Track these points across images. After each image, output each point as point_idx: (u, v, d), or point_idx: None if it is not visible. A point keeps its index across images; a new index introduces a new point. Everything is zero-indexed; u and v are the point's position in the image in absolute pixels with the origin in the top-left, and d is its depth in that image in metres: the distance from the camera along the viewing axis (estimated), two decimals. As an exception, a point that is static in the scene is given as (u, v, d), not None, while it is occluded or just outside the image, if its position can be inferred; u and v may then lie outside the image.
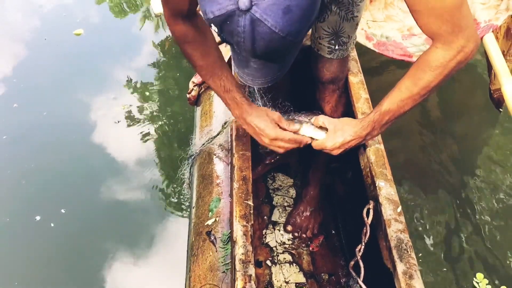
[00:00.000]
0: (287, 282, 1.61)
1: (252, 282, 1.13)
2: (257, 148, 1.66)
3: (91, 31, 3.18)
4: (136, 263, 2.01)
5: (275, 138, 1.25)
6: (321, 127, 1.27)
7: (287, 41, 0.91)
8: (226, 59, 1.75)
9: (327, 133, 1.25)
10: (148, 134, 2.52)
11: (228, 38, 0.95)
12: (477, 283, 1.83)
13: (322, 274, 1.66)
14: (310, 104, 1.49)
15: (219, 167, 1.61)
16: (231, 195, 1.38)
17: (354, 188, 1.60)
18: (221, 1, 0.88)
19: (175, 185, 2.23)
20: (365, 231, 1.27)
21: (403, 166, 2.26)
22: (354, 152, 1.47)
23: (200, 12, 1.17)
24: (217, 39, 1.29)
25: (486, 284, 1.81)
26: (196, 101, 2.01)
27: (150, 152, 2.44)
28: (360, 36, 1.96)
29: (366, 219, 1.27)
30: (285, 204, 1.84)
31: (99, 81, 2.84)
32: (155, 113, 2.65)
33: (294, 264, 1.66)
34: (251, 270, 1.15)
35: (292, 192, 1.88)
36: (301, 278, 1.63)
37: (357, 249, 1.27)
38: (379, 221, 1.28)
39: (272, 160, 1.84)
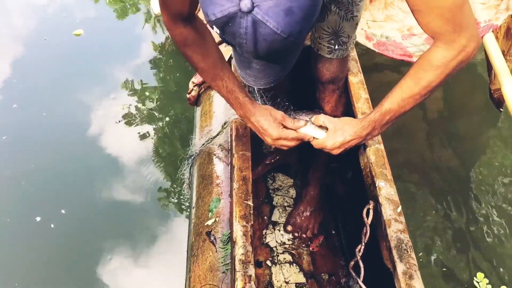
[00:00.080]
0: (287, 282, 1.61)
1: (252, 282, 1.13)
2: (257, 148, 1.66)
3: (91, 31, 3.18)
4: (136, 263, 2.01)
5: (278, 138, 1.26)
6: (321, 126, 1.27)
7: (289, 42, 0.91)
8: (226, 59, 1.76)
9: (327, 132, 1.25)
10: (148, 134, 2.52)
11: (230, 40, 0.95)
12: (478, 282, 1.83)
13: (322, 274, 1.66)
14: (310, 104, 1.49)
15: (219, 167, 1.61)
16: (231, 195, 1.38)
17: (354, 188, 1.60)
18: (222, 3, 0.88)
19: (175, 185, 2.23)
20: (365, 231, 1.27)
21: (403, 166, 2.26)
22: (354, 152, 1.47)
23: (199, 15, 1.17)
24: (217, 39, 1.29)
25: (487, 284, 1.81)
26: (196, 101, 2.01)
27: (150, 152, 2.44)
28: (360, 36, 1.96)
29: (366, 219, 1.27)
30: (285, 204, 1.84)
31: (98, 81, 2.84)
32: (155, 113, 2.65)
33: (294, 264, 1.66)
34: (251, 271, 1.15)
35: (292, 192, 1.88)
36: (301, 278, 1.63)
37: (357, 249, 1.27)
38: (379, 221, 1.28)
39: (272, 160, 1.84)
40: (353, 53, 1.62)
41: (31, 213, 2.13)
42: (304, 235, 1.73)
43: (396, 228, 1.21)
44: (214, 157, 1.65)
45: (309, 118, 1.30)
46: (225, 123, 1.67)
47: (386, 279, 1.21)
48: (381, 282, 1.23)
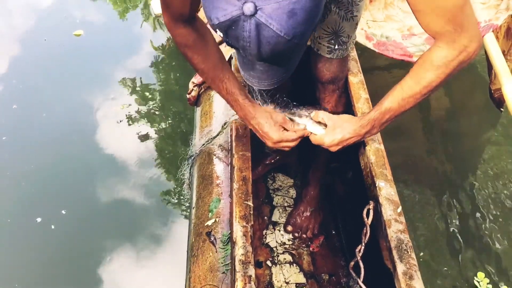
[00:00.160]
0: (287, 283, 1.61)
1: (252, 282, 1.13)
2: (257, 148, 1.66)
3: (91, 32, 3.18)
4: (136, 264, 2.01)
5: (279, 141, 1.26)
6: (320, 122, 1.27)
7: (292, 44, 0.92)
8: (226, 58, 1.76)
9: (326, 129, 1.25)
10: (148, 134, 2.52)
11: (233, 43, 0.96)
12: (478, 282, 1.83)
13: (323, 274, 1.66)
14: (310, 104, 1.48)
15: (219, 168, 1.61)
16: (231, 196, 1.38)
17: (354, 188, 1.59)
18: (225, 7, 0.88)
19: (175, 186, 2.23)
20: (365, 231, 1.27)
21: (403, 166, 2.25)
22: (354, 152, 1.47)
23: (199, 16, 1.17)
24: (217, 39, 1.29)
25: (487, 283, 1.81)
26: (196, 101, 2.01)
27: (150, 152, 2.43)
28: (360, 36, 1.96)
29: (366, 219, 1.27)
30: (285, 204, 1.84)
31: (99, 81, 2.84)
32: (155, 113, 2.65)
33: (294, 265, 1.66)
34: (251, 271, 1.14)
35: (292, 192, 1.88)
36: (302, 279, 1.63)
37: (357, 250, 1.27)
38: (379, 222, 1.28)
39: (272, 161, 1.84)
40: (353, 53, 1.62)
41: (31, 214, 2.13)
42: (304, 235, 1.73)
43: (396, 228, 1.21)
44: (214, 157, 1.65)
45: (309, 113, 1.30)
46: (225, 124, 1.67)
47: (386, 279, 1.21)
48: (381, 283, 1.23)
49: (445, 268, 1.94)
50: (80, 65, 2.94)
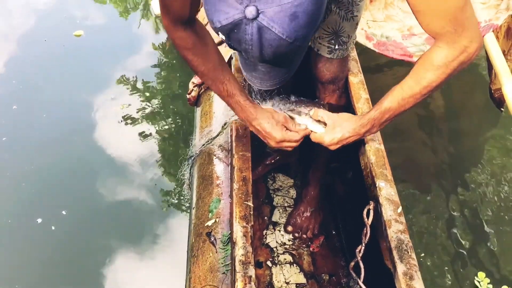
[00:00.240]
0: (287, 283, 1.61)
1: (252, 283, 1.13)
2: (257, 148, 1.66)
3: (91, 32, 3.18)
4: (136, 264, 2.01)
5: (281, 140, 1.26)
6: (319, 121, 1.27)
7: (294, 46, 0.92)
8: (226, 59, 1.76)
9: (325, 127, 1.25)
10: (149, 134, 2.52)
11: (235, 46, 0.96)
12: (479, 282, 1.83)
13: (323, 274, 1.66)
14: (309, 98, 1.48)
15: (219, 168, 1.61)
16: (231, 196, 1.38)
17: (354, 188, 1.59)
18: (227, 10, 0.89)
19: (176, 186, 2.23)
20: (365, 231, 1.26)
21: (404, 166, 2.25)
22: (354, 152, 1.46)
23: (199, 18, 1.18)
24: (217, 40, 1.29)
25: (488, 283, 1.81)
26: (196, 101, 2.01)
27: (150, 152, 2.43)
28: (360, 36, 1.96)
29: (366, 219, 1.27)
30: (286, 204, 1.84)
31: (99, 82, 2.84)
32: (155, 114, 2.65)
33: (294, 265, 1.66)
34: (251, 271, 1.14)
35: (293, 192, 1.88)
36: (302, 279, 1.63)
37: (357, 250, 1.27)
38: (379, 222, 1.28)
39: (272, 161, 1.84)
40: (353, 53, 1.62)
41: (32, 214, 2.13)
42: (304, 236, 1.73)
43: (396, 229, 1.21)
44: (214, 157, 1.65)
45: (308, 111, 1.30)
46: (225, 124, 1.66)
47: (386, 279, 1.20)
48: (382, 283, 1.23)
49: (446, 268, 1.94)
50: (80, 65, 2.94)
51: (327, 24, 1.33)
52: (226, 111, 1.66)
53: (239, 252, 1.18)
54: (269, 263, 1.66)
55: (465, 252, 1.99)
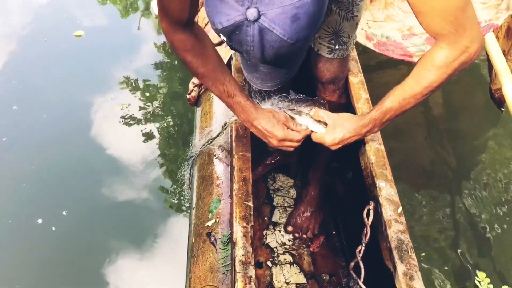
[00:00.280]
0: (287, 283, 1.61)
1: (252, 283, 1.13)
2: (257, 149, 1.66)
3: (92, 32, 3.18)
4: (136, 264, 2.01)
5: (283, 139, 1.25)
6: (320, 121, 1.27)
7: (295, 47, 0.92)
8: (225, 60, 1.76)
9: (326, 128, 1.25)
10: (149, 134, 2.52)
11: (237, 47, 0.96)
12: (479, 282, 1.83)
13: (323, 274, 1.66)
14: (309, 96, 1.48)
15: (219, 168, 1.61)
16: (231, 196, 1.38)
17: (355, 189, 1.59)
18: (229, 12, 0.89)
19: (176, 186, 2.23)
20: (365, 232, 1.26)
21: (404, 166, 2.25)
22: (355, 152, 1.46)
23: (197, 20, 1.18)
24: (216, 40, 1.29)
25: (488, 283, 1.81)
26: (196, 102, 2.01)
27: (150, 153, 2.43)
28: (360, 36, 1.95)
29: (366, 219, 1.27)
30: (286, 204, 1.84)
31: (99, 82, 2.84)
32: (156, 114, 2.65)
33: (294, 265, 1.66)
34: (251, 272, 1.14)
35: (293, 192, 1.88)
36: (302, 279, 1.63)
37: (357, 250, 1.27)
38: (379, 222, 1.28)
39: (273, 161, 1.84)
40: (353, 53, 1.62)
41: (32, 215, 2.13)
42: (304, 236, 1.73)
43: (396, 229, 1.21)
44: (214, 158, 1.65)
45: (309, 110, 1.30)
46: (225, 124, 1.66)
47: (386, 279, 1.20)
48: (382, 283, 1.23)
49: (446, 268, 1.94)
50: (80, 65, 2.94)
51: (327, 24, 1.33)
52: (226, 111, 1.66)
53: (239, 252, 1.18)
54: (269, 263, 1.66)
55: (465, 252, 1.99)
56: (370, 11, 1.97)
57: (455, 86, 2.56)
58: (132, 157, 2.40)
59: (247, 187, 1.31)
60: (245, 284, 1.12)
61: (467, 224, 2.08)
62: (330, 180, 1.82)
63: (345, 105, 1.53)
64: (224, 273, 1.32)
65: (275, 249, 1.70)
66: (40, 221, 2.11)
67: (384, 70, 2.63)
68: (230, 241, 1.35)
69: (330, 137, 1.24)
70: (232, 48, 0.99)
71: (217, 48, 1.74)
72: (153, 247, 2.05)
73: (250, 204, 1.28)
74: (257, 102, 1.33)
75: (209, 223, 1.47)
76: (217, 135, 1.70)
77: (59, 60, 2.97)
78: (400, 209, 1.25)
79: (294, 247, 1.72)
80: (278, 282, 1.61)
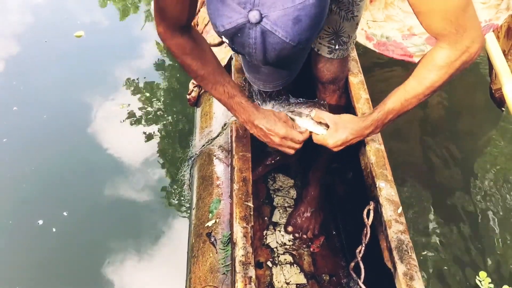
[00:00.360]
0: (288, 283, 1.61)
1: (253, 283, 1.13)
2: (257, 149, 1.66)
3: (92, 33, 3.18)
4: (137, 265, 2.01)
5: (285, 136, 1.25)
6: (321, 123, 1.27)
7: (297, 49, 0.92)
8: (225, 60, 1.76)
9: (328, 129, 1.25)
10: (149, 135, 2.52)
11: (239, 49, 0.96)
12: (480, 281, 1.82)
13: (323, 275, 1.65)
14: (309, 99, 1.48)
15: (219, 168, 1.61)
16: (231, 197, 1.38)
17: (355, 189, 1.59)
18: (231, 15, 0.89)
19: (176, 187, 2.23)
20: (365, 232, 1.26)
21: (404, 166, 2.25)
22: (355, 152, 1.46)
23: (197, 20, 1.17)
24: (216, 40, 1.29)
25: (489, 283, 1.81)
26: (196, 102, 2.01)
27: (151, 153, 2.43)
28: (360, 36, 1.95)
29: (366, 220, 1.27)
30: (286, 205, 1.84)
31: (99, 82, 2.84)
32: (156, 114, 2.65)
33: (295, 265, 1.66)
34: (251, 272, 1.14)
35: (293, 192, 1.88)
36: (302, 279, 1.63)
37: (357, 251, 1.27)
38: (379, 222, 1.28)
39: (273, 161, 1.84)
40: (354, 53, 1.62)
41: (33, 216, 2.13)
42: (304, 236, 1.73)
43: (396, 229, 1.21)
44: (214, 158, 1.65)
45: (309, 111, 1.30)
46: (225, 124, 1.66)
47: (386, 280, 1.20)
48: (382, 283, 1.23)
49: (446, 268, 1.94)
50: (80, 66, 2.95)
51: (328, 24, 1.33)
52: (226, 111, 1.66)
53: (239, 253, 1.17)
54: (269, 263, 1.65)
55: (466, 252, 1.98)
56: (370, 11, 1.97)
57: (456, 86, 2.56)
58: (132, 158, 2.40)
59: (247, 188, 1.31)
60: (245, 285, 1.12)
61: (468, 224, 2.07)
62: (330, 180, 1.82)
63: (345, 105, 1.53)
64: (224, 273, 1.32)
65: (275, 249, 1.70)
66: (40, 222, 2.11)
67: (384, 70, 2.63)
68: (230, 241, 1.35)
69: (333, 139, 1.24)
70: (234, 50, 0.99)
71: (217, 48, 1.74)
72: (153, 248, 2.05)
73: (250, 204, 1.28)
74: (258, 103, 1.33)
75: (209, 224, 1.47)
76: (217, 136, 1.70)
77: (59, 61, 2.98)
78: (400, 209, 1.25)
79: (294, 247, 1.72)
80: (278, 282, 1.61)
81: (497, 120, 2.48)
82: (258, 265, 1.64)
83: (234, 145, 1.42)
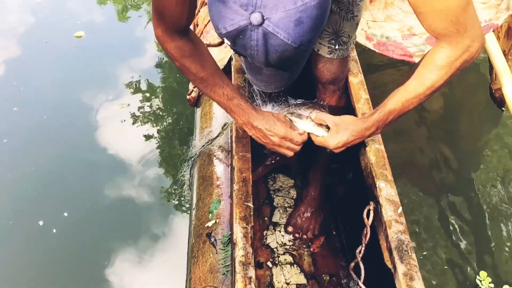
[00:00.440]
0: (288, 283, 1.61)
1: (253, 284, 1.12)
2: (257, 149, 1.65)
3: (92, 33, 3.18)
4: (137, 265, 2.01)
5: (284, 137, 1.25)
6: (321, 124, 1.27)
7: (299, 51, 0.93)
8: (225, 60, 1.76)
9: (329, 131, 1.25)
10: (148, 135, 2.52)
11: (241, 51, 0.96)
12: (480, 281, 1.83)
13: (323, 275, 1.65)
14: (309, 100, 1.48)
15: (219, 169, 1.61)
16: (231, 197, 1.38)
17: (355, 189, 1.59)
18: (233, 17, 0.89)
19: (176, 187, 2.23)
20: (365, 232, 1.26)
21: (404, 166, 2.25)
22: (355, 152, 1.46)
23: (197, 21, 1.17)
24: (216, 41, 1.29)
25: (489, 283, 1.81)
26: (196, 102, 2.01)
27: (151, 153, 2.43)
28: (360, 37, 1.95)
29: (366, 220, 1.27)
30: (286, 205, 1.84)
31: (99, 83, 2.84)
32: (156, 114, 2.65)
33: (295, 265, 1.66)
34: (251, 272, 1.14)
35: (293, 193, 1.88)
36: (302, 279, 1.63)
37: (357, 251, 1.27)
38: (379, 222, 1.28)
39: (273, 161, 1.84)
40: (353, 54, 1.61)
41: (33, 217, 2.13)
42: (305, 236, 1.73)
43: (396, 229, 1.21)
44: (214, 158, 1.65)
45: (309, 113, 1.30)
46: (225, 125, 1.67)
47: (386, 280, 1.20)
48: (382, 283, 1.23)
49: (446, 267, 1.94)
50: (80, 66, 2.95)
51: (328, 24, 1.33)
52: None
53: (239, 253, 1.17)
54: (269, 263, 1.65)
55: (466, 252, 1.98)
56: (370, 11, 1.97)
57: (456, 86, 2.56)
58: (132, 158, 2.40)
59: (247, 188, 1.31)
60: (245, 285, 1.12)
61: (468, 224, 2.07)
62: (330, 180, 1.82)
63: (345, 105, 1.53)
64: (224, 273, 1.32)
65: (275, 249, 1.70)
66: (41, 222, 2.11)
67: (384, 70, 2.63)
68: (230, 241, 1.35)
69: (334, 140, 1.24)
70: (236, 52, 0.99)
71: (217, 48, 1.74)
72: (154, 248, 2.05)
73: (250, 204, 1.28)
74: (258, 104, 1.33)
75: (209, 224, 1.47)
76: (217, 136, 1.70)
77: (59, 61, 2.98)
78: (400, 210, 1.25)
79: (294, 247, 1.72)
80: (278, 282, 1.61)
81: (497, 120, 2.47)
82: (258, 266, 1.64)
83: (234, 145, 1.42)
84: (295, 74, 1.12)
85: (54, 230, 2.09)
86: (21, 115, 2.62)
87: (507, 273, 1.91)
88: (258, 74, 1.09)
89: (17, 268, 2.02)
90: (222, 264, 1.34)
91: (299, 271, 1.65)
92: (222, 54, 1.73)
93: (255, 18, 0.87)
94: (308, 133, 1.28)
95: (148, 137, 2.51)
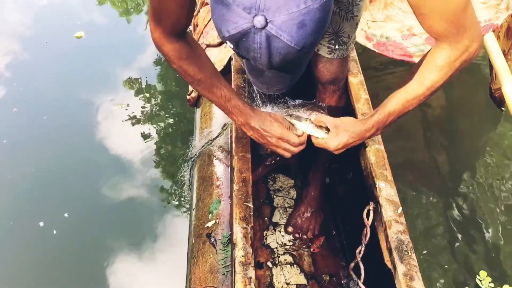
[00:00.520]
0: (288, 284, 1.61)
1: (253, 284, 1.12)
2: (257, 149, 1.66)
3: (92, 33, 3.18)
4: (137, 266, 2.01)
5: (281, 137, 1.25)
6: (321, 126, 1.27)
7: (302, 53, 0.93)
8: (225, 61, 1.76)
9: (329, 133, 1.25)
10: (148, 135, 2.52)
11: (244, 54, 0.96)
12: (480, 281, 1.82)
13: (323, 275, 1.65)
14: (308, 101, 1.48)
15: (219, 169, 1.61)
16: (231, 197, 1.38)
17: (355, 189, 1.59)
18: (236, 20, 0.89)
19: (176, 187, 2.23)
20: (365, 232, 1.26)
21: (404, 166, 2.25)
22: (355, 152, 1.46)
23: (196, 21, 1.17)
24: (216, 41, 1.29)
25: (489, 282, 1.81)
26: (196, 102, 2.01)
27: (151, 154, 2.44)
28: (360, 37, 1.95)
29: (366, 220, 1.27)
30: (286, 205, 1.84)
31: (99, 83, 2.84)
32: (156, 114, 2.65)
33: (295, 265, 1.66)
34: (251, 273, 1.14)
35: (293, 193, 1.88)
36: (302, 279, 1.63)
37: (357, 251, 1.27)
38: (379, 222, 1.27)
39: (273, 161, 1.83)
40: (353, 54, 1.61)
41: (33, 218, 2.13)
42: (305, 236, 1.73)
43: (396, 229, 1.21)
44: (214, 158, 1.65)
45: (308, 115, 1.30)
46: (225, 125, 1.67)
47: (386, 280, 1.20)
48: (382, 283, 1.23)
49: (446, 267, 1.94)
50: (80, 67, 2.95)
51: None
52: (226, 112, 1.66)
53: (239, 253, 1.17)
54: (269, 264, 1.65)
55: (466, 252, 1.98)
56: (370, 11, 1.97)
57: (456, 86, 2.56)
58: (132, 158, 2.40)
59: (247, 188, 1.31)
60: (245, 285, 1.12)
61: (468, 224, 2.07)
62: (330, 180, 1.82)
63: (345, 105, 1.53)
64: (224, 274, 1.32)
65: (275, 249, 1.70)
66: (41, 223, 2.11)
67: (384, 70, 2.63)
68: (230, 242, 1.35)
69: (334, 142, 1.24)
70: (239, 55, 1.00)
71: (217, 48, 1.74)
72: (154, 248, 2.05)
73: (250, 205, 1.28)
74: (258, 104, 1.33)
75: (209, 224, 1.47)
76: (217, 136, 1.70)
77: (59, 62, 2.98)
78: (400, 210, 1.25)
79: (294, 247, 1.72)
80: (278, 282, 1.61)
81: (497, 120, 2.47)
82: (258, 266, 1.64)
83: (234, 145, 1.42)
84: (297, 76, 1.12)
85: (55, 231, 2.09)
86: (21, 116, 2.63)
87: (507, 273, 1.91)
88: (260, 76, 1.09)
89: (17, 268, 2.02)
90: (222, 265, 1.34)
91: (299, 271, 1.65)
92: (222, 54, 1.73)
93: (258, 21, 0.87)
94: (308, 135, 1.28)
95: (148, 137, 2.51)
